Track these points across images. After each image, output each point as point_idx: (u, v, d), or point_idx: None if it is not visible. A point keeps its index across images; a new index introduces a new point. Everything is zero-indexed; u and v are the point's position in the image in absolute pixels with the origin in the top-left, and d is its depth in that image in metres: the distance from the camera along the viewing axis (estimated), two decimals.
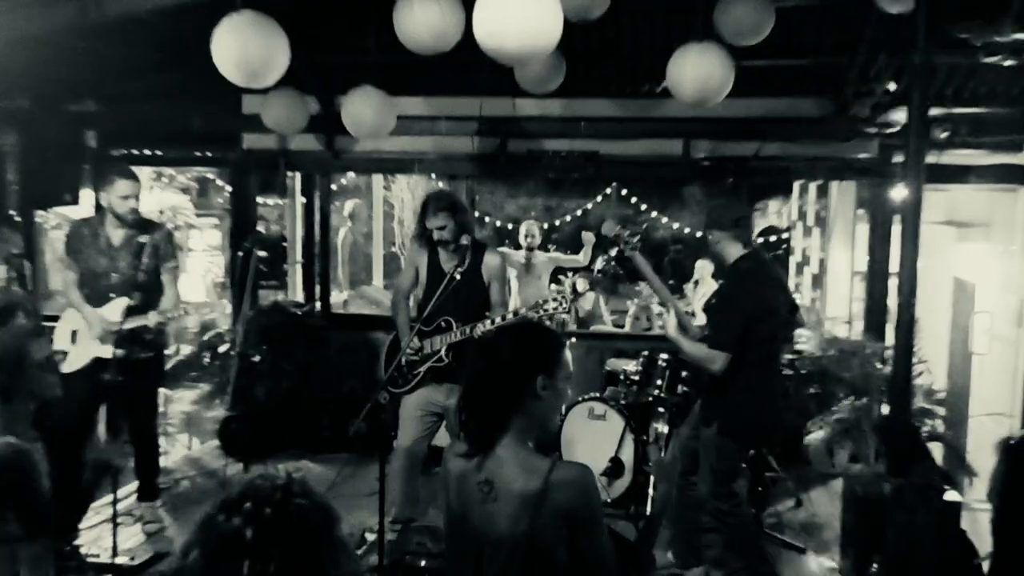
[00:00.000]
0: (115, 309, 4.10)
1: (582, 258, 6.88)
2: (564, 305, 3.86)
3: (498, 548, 1.90)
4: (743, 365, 3.58)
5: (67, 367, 4.18)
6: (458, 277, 3.91)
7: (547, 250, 7.59)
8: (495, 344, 2.02)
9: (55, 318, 4.38)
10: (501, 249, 6.16)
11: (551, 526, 1.84)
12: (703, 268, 7.54)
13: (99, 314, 4.13)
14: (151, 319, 4.13)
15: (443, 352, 4.08)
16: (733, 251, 3.75)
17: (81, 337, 4.16)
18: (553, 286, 7.67)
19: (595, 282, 7.68)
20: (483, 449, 1.95)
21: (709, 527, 3.87)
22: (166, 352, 4.66)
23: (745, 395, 3.66)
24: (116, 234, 4.22)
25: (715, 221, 3.79)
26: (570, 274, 6.92)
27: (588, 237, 6.89)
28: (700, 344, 3.68)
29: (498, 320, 3.96)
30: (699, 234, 7.38)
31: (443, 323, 4.08)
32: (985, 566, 3.39)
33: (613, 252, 7.49)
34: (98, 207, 5.58)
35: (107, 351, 4.00)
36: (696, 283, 7.77)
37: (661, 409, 4.91)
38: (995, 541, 2.05)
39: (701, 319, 4.04)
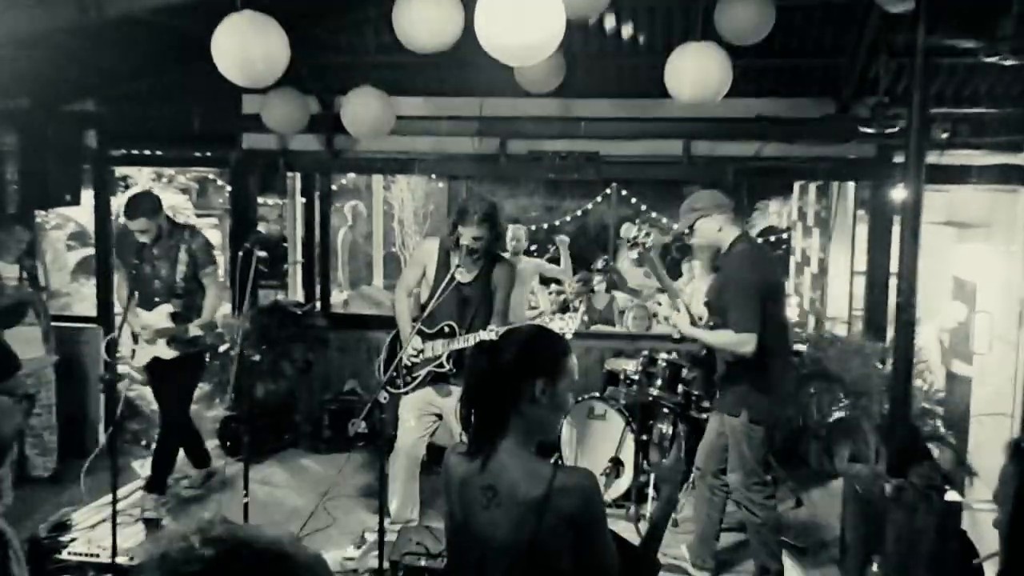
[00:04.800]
0: (160, 314, 4.53)
1: (563, 265, 6.89)
2: (571, 327, 3.82)
3: (500, 553, 1.89)
4: (762, 346, 3.57)
5: (135, 363, 4.67)
6: (462, 280, 3.88)
7: (531, 255, 7.55)
8: (498, 344, 2.00)
9: (59, 318, 4.42)
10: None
11: (554, 532, 1.83)
12: (693, 268, 7.54)
13: (142, 319, 4.54)
14: (205, 321, 4.63)
15: (444, 358, 4.04)
16: (730, 234, 3.77)
17: (141, 336, 4.57)
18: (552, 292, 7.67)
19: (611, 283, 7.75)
20: (483, 448, 1.94)
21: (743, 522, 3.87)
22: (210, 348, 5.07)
23: (767, 376, 3.66)
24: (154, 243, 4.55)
25: (714, 205, 3.78)
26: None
27: (563, 240, 6.92)
28: (724, 331, 3.65)
29: (500, 331, 3.91)
30: None
31: (446, 328, 4.04)
32: (986, 567, 3.39)
33: (599, 264, 7.58)
34: None
35: (162, 351, 4.52)
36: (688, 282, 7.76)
37: (665, 410, 4.90)
38: (1004, 544, 2.01)
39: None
